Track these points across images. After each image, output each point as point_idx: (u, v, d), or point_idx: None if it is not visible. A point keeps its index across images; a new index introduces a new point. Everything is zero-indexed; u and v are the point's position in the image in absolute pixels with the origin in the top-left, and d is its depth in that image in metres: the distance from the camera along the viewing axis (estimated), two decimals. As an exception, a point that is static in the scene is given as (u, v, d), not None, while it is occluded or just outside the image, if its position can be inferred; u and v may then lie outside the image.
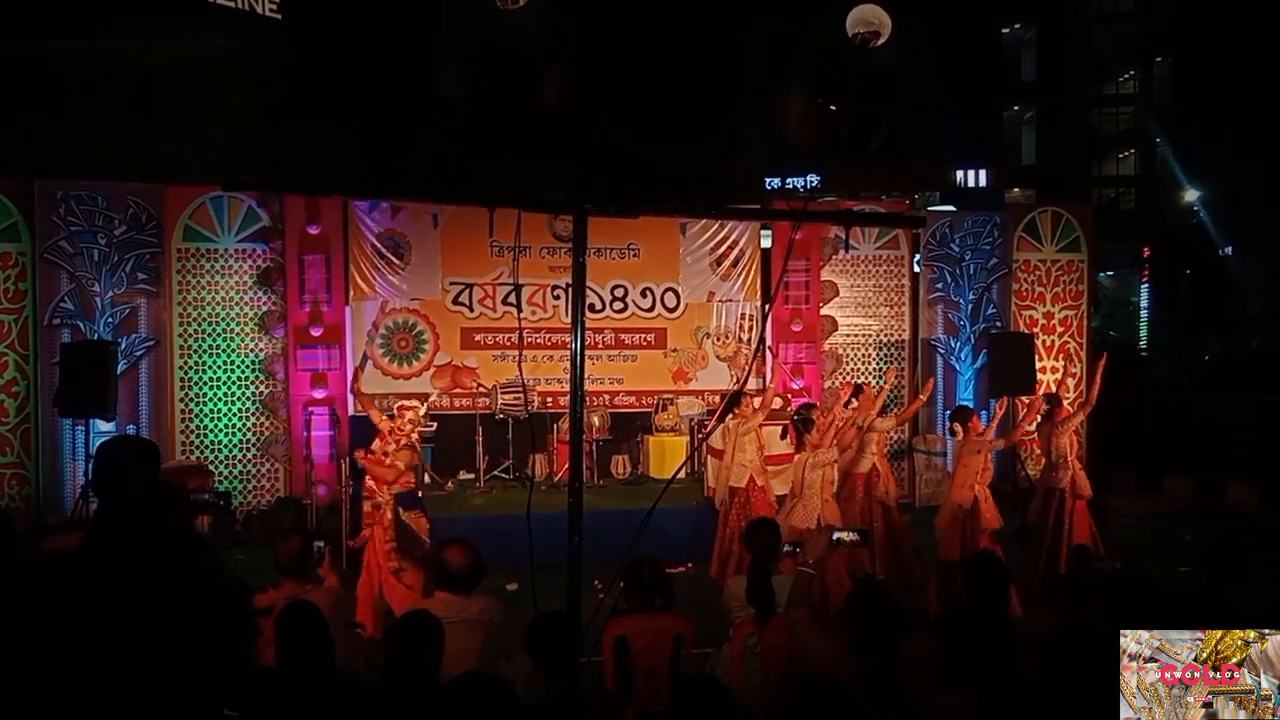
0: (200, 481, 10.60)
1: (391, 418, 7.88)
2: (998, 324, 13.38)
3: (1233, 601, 3.47)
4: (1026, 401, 10.48)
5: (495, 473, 12.10)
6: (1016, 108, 42.41)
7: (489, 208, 3.75)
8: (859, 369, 13.35)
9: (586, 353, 13.47)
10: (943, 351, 13.37)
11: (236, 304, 11.75)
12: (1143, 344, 30.87)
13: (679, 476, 12.10)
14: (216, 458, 11.61)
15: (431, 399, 10.33)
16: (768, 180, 30.47)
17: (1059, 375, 12.85)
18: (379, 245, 12.25)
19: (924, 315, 13.43)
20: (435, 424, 12.01)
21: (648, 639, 4.88)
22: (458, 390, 12.24)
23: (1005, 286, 13.50)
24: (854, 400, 9.46)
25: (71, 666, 1.60)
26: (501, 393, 11.98)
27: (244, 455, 11.75)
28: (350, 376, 11.88)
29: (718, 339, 13.10)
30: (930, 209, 15.01)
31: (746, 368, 12.56)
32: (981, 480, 8.28)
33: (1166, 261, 34.35)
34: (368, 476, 7.61)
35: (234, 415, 11.73)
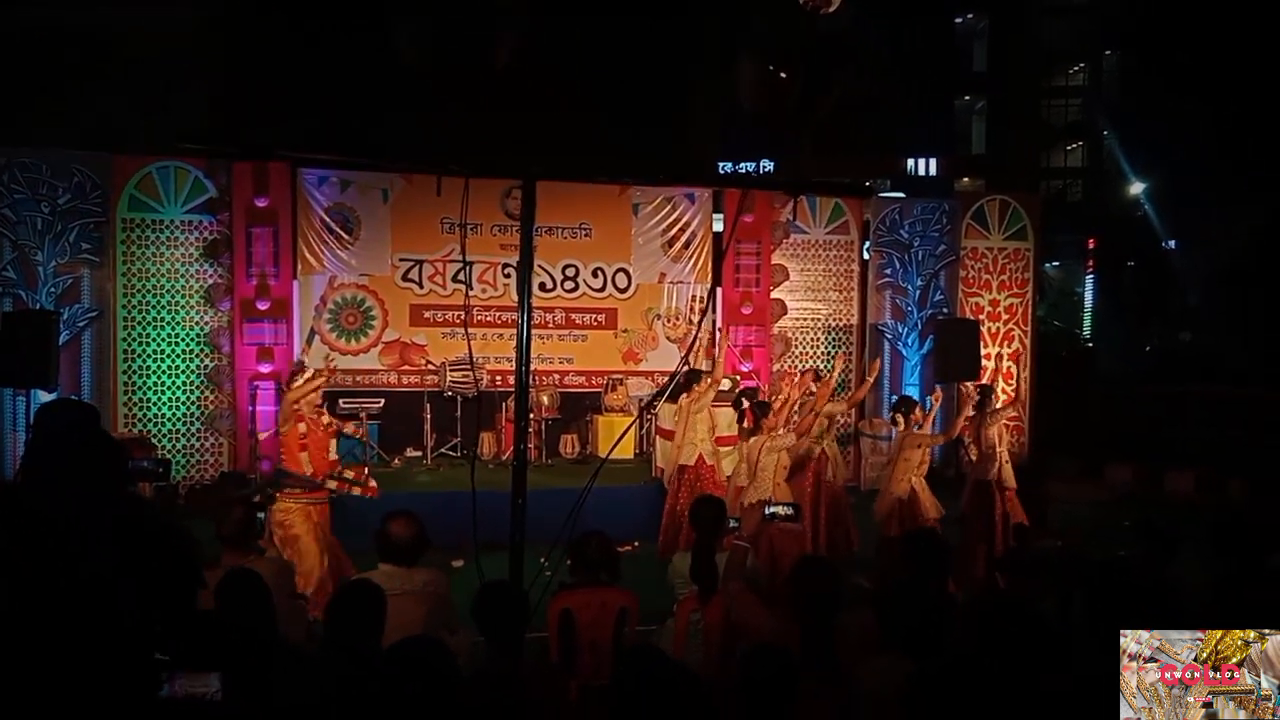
0: (144, 453, 10.45)
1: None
2: (945, 310, 13.54)
3: (1164, 575, 3.57)
4: (971, 388, 10.62)
5: (443, 450, 12.06)
6: (967, 98, 42.79)
7: (437, 175, 3.73)
8: (808, 353, 13.45)
9: (537, 332, 13.54)
10: (890, 337, 13.50)
11: (182, 276, 11.57)
12: (1086, 335, 31.35)
13: (630, 457, 12.20)
14: (160, 431, 11.45)
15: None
16: (721, 165, 30.56)
17: (1003, 362, 13.03)
18: (328, 219, 12.13)
19: (872, 300, 13.55)
20: (381, 400, 11.98)
21: (592, 613, 4.90)
22: (405, 367, 12.20)
23: (953, 273, 13.66)
24: (814, 386, 9.56)
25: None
26: (450, 370, 11.95)
27: (188, 429, 11.60)
28: (297, 352, 11.83)
29: (668, 320, 13.14)
30: (880, 195, 15.11)
31: (689, 346, 12.56)
32: (919, 472, 8.41)
33: (1111, 253, 34.88)
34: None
35: (178, 389, 11.57)
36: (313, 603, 6.34)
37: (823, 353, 13.49)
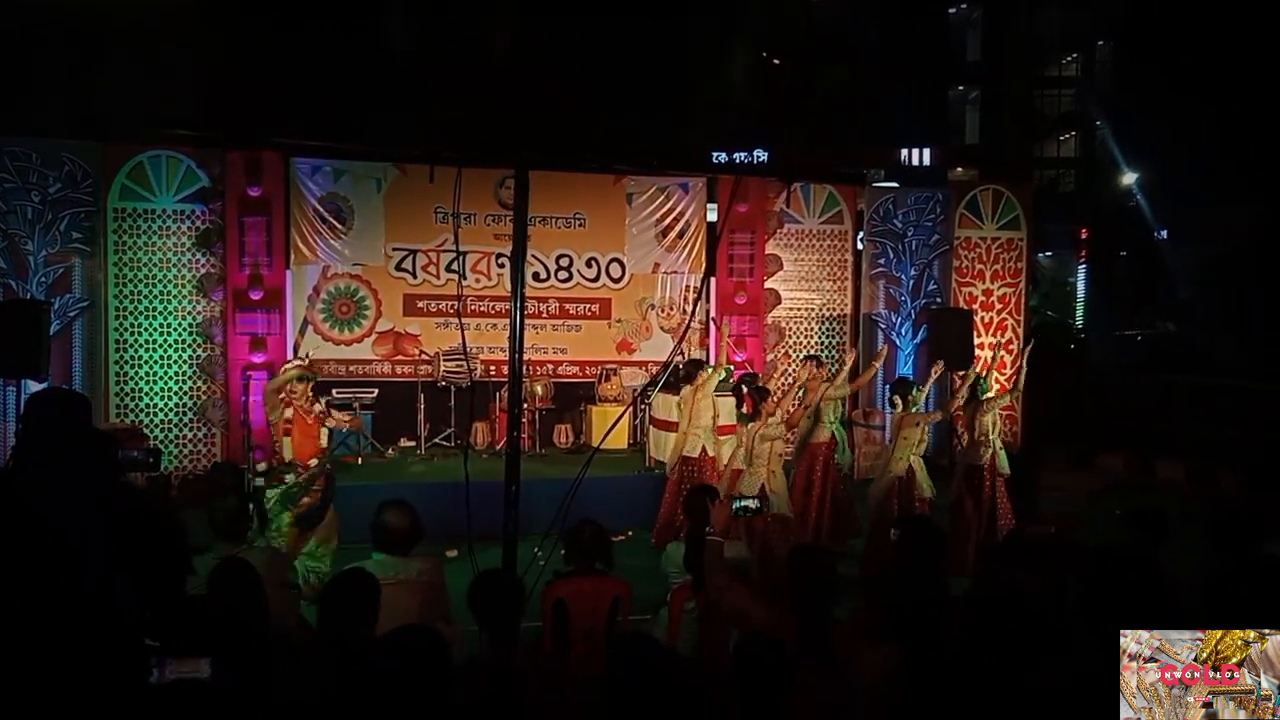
0: (135, 444, 10.41)
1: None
2: (938, 300, 13.54)
3: (1156, 562, 3.57)
4: (962, 375, 10.66)
5: (436, 440, 12.05)
6: (961, 88, 42.74)
7: (430, 164, 3.72)
8: (801, 342, 13.46)
9: (531, 322, 13.49)
10: (884, 326, 13.50)
11: (174, 265, 11.52)
12: (1079, 324, 31.38)
13: (624, 447, 12.21)
14: (151, 422, 11.42)
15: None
16: (715, 155, 30.52)
17: (996, 352, 13.03)
18: (321, 209, 12.09)
19: (866, 290, 13.56)
20: (375, 390, 11.98)
21: (586, 602, 4.90)
22: (399, 357, 12.19)
23: (946, 263, 13.66)
24: (815, 372, 9.61)
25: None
26: (444, 360, 11.93)
27: (180, 419, 11.57)
28: (290, 342, 11.80)
29: (662, 310, 13.14)
30: (874, 185, 15.12)
31: (680, 336, 12.55)
32: (917, 451, 8.51)
33: (1103, 244, 34.92)
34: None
35: (170, 379, 11.53)
36: None
37: (817, 342, 13.49)
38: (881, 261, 13.51)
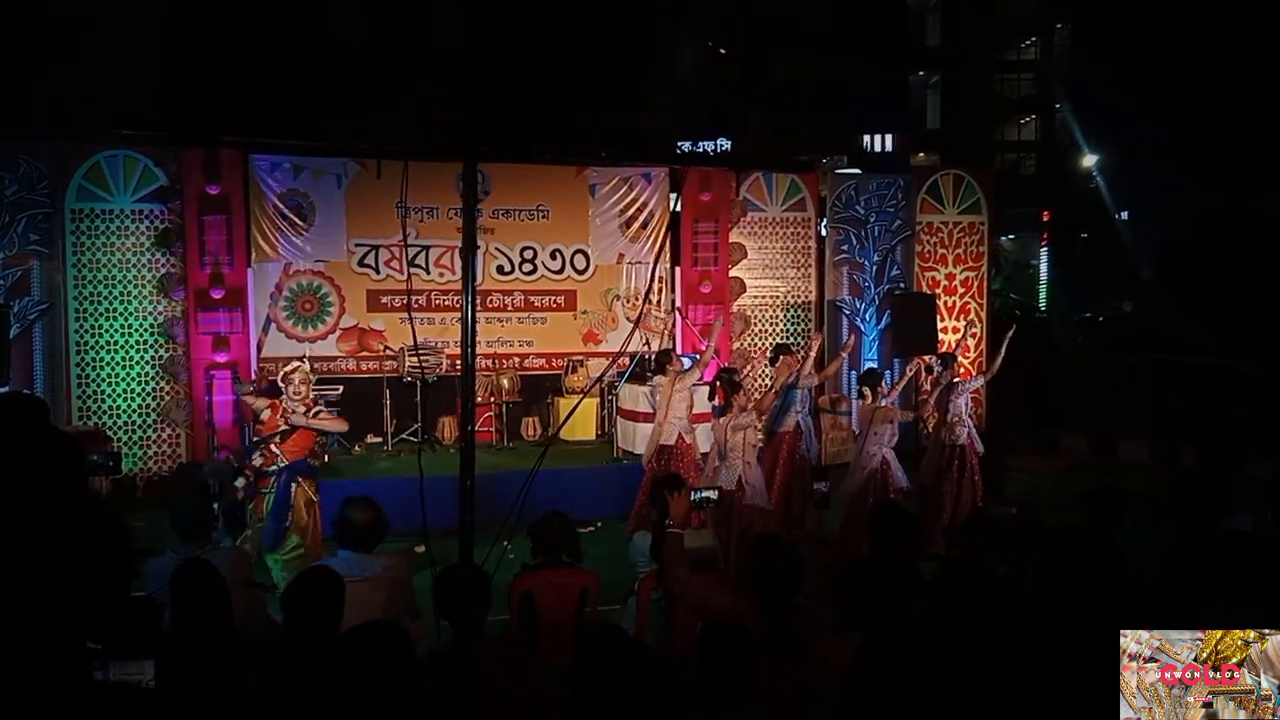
0: (97, 447, 10.32)
1: (276, 392, 7.66)
2: (901, 285, 13.63)
3: (1115, 542, 3.62)
4: (927, 362, 10.74)
5: (403, 436, 12.01)
6: (921, 73, 42.98)
7: (377, 159, 3.70)
8: (767, 330, 13.50)
9: (497, 315, 13.46)
10: (848, 312, 13.57)
11: (134, 266, 11.39)
12: (1042, 307, 31.68)
13: (592, 438, 12.23)
14: (115, 423, 11.30)
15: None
16: (679, 145, 30.53)
17: (960, 336, 13.13)
18: (281, 206, 11.99)
19: (830, 277, 13.61)
20: (340, 387, 11.90)
21: (553, 594, 4.92)
22: (363, 353, 12.14)
23: (909, 248, 13.74)
24: (779, 359, 9.66)
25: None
26: (409, 355, 11.88)
27: (144, 421, 11.45)
28: (254, 340, 11.71)
29: (628, 301, 13.14)
30: (836, 171, 15.19)
31: (634, 324, 12.54)
32: (889, 444, 8.60)
33: (1065, 226, 35.25)
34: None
35: (132, 380, 11.41)
36: None
37: (782, 330, 13.54)
38: (845, 248, 13.58)
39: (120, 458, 6.78)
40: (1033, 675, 2.94)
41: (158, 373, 11.46)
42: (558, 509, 5.27)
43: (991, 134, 43.10)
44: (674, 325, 12.91)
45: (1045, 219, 35.75)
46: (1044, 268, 35.42)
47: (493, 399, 12.20)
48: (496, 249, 12.58)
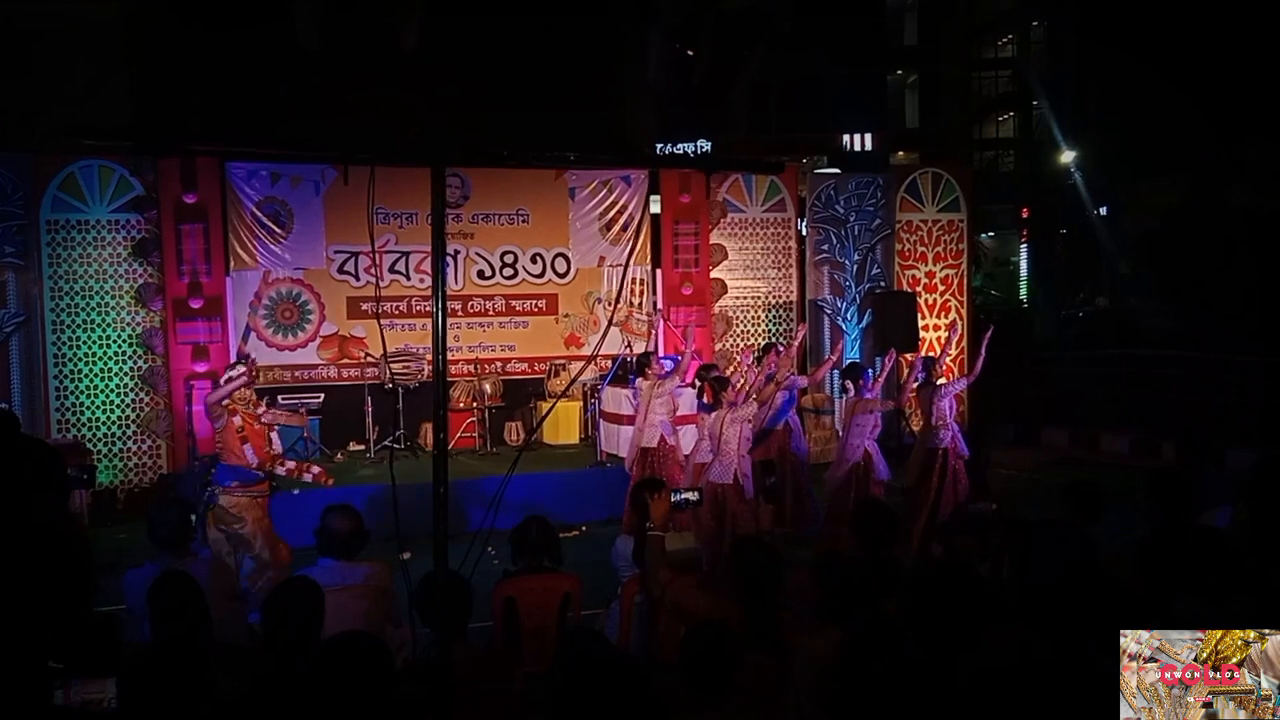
0: (76, 460, 10.24)
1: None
2: (882, 284, 13.66)
3: (1093, 535, 3.64)
4: (909, 360, 10.76)
5: (385, 443, 11.96)
6: (899, 72, 43.09)
7: (342, 164, 3.68)
8: (749, 330, 13.51)
9: (478, 320, 13.38)
10: (829, 312, 13.60)
11: (111, 277, 11.32)
12: (1023, 302, 31.80)
13: (575, 442, 12.22)
14: (95, 435, 11.21)
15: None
16: (659, 146, 30.52)
17: (940, 333, 13.17)
18: (259, 213, 11.93)
19: (811, 276, 13.64)
20: (321, 395, 11.86)
21: (535, 599, 4.91)
22: (344, 360, 12.12)
23: (889, 247, 13.77)
24: (765, 357, 9.67)
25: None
26: (390, 362, 11.84)
27: (123, 432, 11.38)
28: (234, 350, 11.64)
29: (609, 304, 13.13)
30: (815, 171, 15.23)
31: (605, 327, 12.55)
32: (872, 436, 8.64)
33: (1044, 222, 35.40)
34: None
35: (111, 391, 11.34)
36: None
37: (764, 330, 13.55)
38: (825, 247, 13.60)
39: (94, 470, 6.73)
40: (1008, 669, 2.95)
41: (137, 384, 11.40)
42: (537, 513, 5.26)
43: (970, 132, 43.25)
44: (657, 327, 12.92)
45: (1024, 215, 35.91)
46: (1024, 264, 35.56)
47: (475, 404, 12.17)
48: (477, 253, 12.55)
